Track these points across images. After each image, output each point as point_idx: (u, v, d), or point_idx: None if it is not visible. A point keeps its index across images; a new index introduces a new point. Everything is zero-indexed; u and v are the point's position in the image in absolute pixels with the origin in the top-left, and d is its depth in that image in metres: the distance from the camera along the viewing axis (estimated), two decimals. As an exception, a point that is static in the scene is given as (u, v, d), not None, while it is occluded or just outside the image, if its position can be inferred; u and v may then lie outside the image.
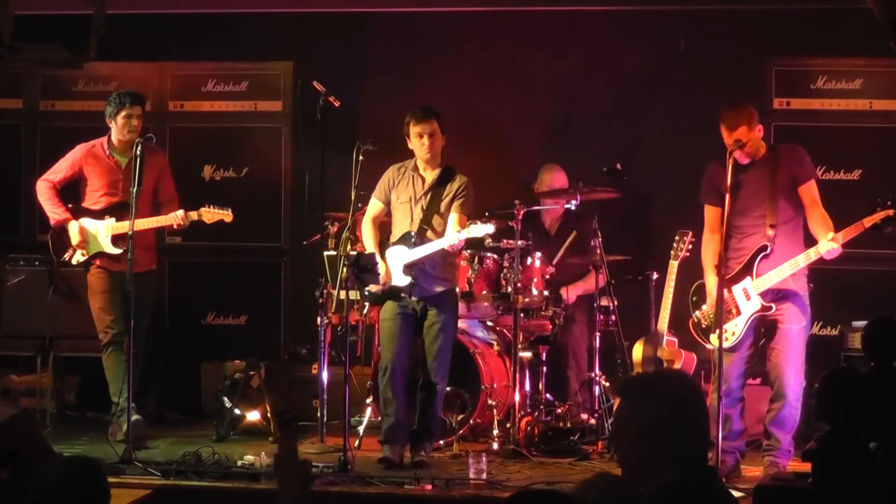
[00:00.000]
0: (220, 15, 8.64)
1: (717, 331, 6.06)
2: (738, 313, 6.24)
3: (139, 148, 6.61)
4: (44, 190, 7.11)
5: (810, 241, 6.25)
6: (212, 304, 8.40)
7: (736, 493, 5.59)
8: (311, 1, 8.71)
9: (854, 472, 4.35)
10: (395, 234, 6.56)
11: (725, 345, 6.20)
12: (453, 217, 6.46)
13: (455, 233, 6.31)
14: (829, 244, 6.02)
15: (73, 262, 7.01)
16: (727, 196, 5.97)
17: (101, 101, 8.57)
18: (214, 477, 6.10)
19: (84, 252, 6.95)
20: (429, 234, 6.49)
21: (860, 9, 6.53)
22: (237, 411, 7.41)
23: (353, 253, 6.30)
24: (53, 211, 7.06)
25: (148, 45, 8.66)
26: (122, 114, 6.88)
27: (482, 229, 6.26)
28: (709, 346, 6.46)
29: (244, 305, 8.51)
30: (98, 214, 6.98)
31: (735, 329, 6.24)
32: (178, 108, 8.54)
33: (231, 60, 8.64)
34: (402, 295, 6.45)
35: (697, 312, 6.42)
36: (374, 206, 6.67)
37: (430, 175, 6.56)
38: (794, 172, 6.24)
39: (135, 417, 6.60)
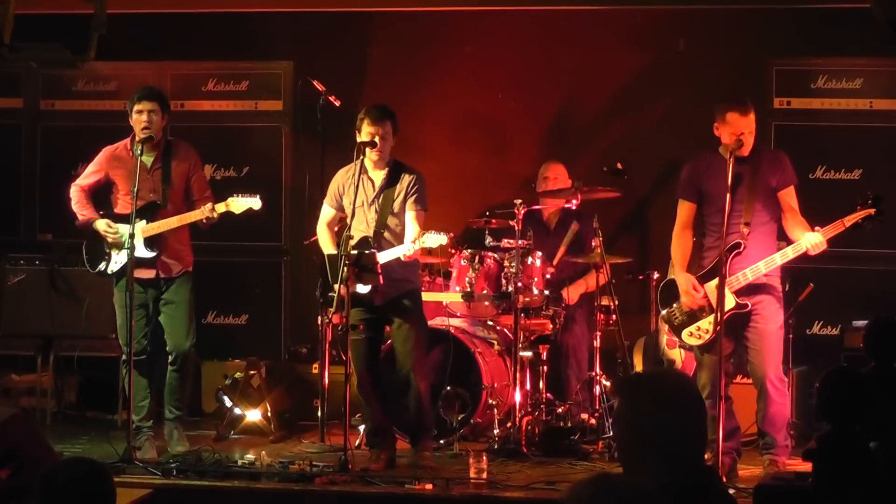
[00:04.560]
0: (220, 15, 8.64)
1: (694, 327, 6.06)
2: (712, 311, 6.20)
3: (139, 148, 6.58)
4: (73, 193, 6.82)
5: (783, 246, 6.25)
6: (212, 304, 8.41)
7: (735, 493, 5.60)
8: (311, 1, 8.71)
9: (854, 472, 4.35)
10: (354, 239, 6.42)
11: (698, 343, 6.21)
12: (409, 216, 6.36)
13: (410, 243, 6.20)
14: (815, 236, 6.00)
15: (109, 271, 6.67)
16: (728, 196, 5.95)
17: (101, 101, 8.64)
18: (214, 477, 6.10)
19: (117, 259, 6.65)
20: (386, 235, 6.39)
21: (860, 9, 6.54)
22: (237, 411, 7.41)
23: (354, 252, 6.28)
24: (81, 212, 6.78)
25: (148, 45, 8.67)
26: (134, 109, 6.63)
27: (436, 239, 6.16)
28: (677, 342, 6.48)
29: (244, 305, 8.53)
30: (128, 218, 6.53)
31: (708, 327, 6.19)
32: (178, 108, 8.50)
33: (231, 60, 8.65)
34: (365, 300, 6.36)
35: (666, 310, 6.39)
36: (327, 213, 6.59)
37: (379, 176, 6.44)
38: (776, 177, 6.22)
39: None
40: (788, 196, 6.24)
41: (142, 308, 6.71)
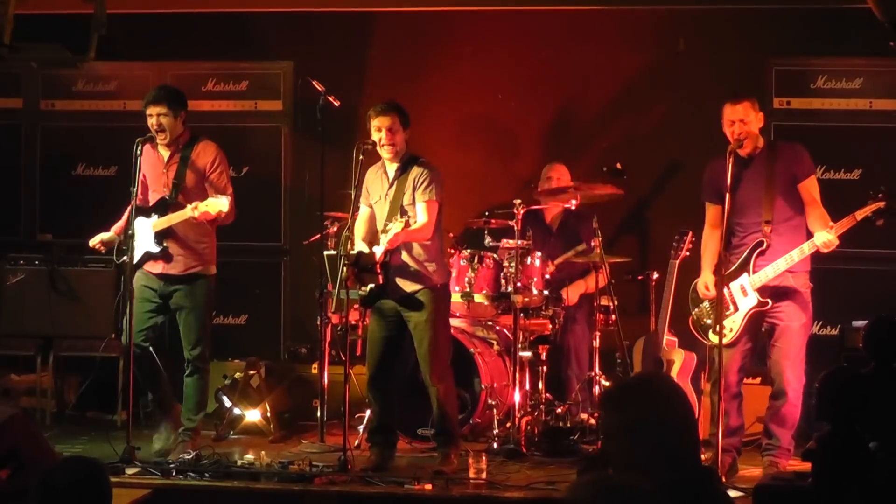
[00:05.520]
0: (220, 15, 8.64)
1: (716, 327, 6.06)
2: (736, 309, 6.24)
3: (139, 148, 6.58)
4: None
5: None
6: (212, 304, 8.40)
7: (735, 493, 5.61)
8: (311, 1, 8.71)
9: (854, 472, 4.35)
10: (355, 238, 6.41)
11: (724, 341, 6.21)
12: (419, 207, 6.30)
13: (386, 241, 6.13)
14: (825, 234, 6.02)
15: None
16: (727, 194, 5.97)
17: (101, 101, 8.64)
18: (214, 477, 6.10)
19: (136, 252, 6.57)
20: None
21: (860, 9, 6.53)
22: (237, 411, 7.41)
23: (353, 252, 6.27)
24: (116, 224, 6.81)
25: (148, 45, 8.66)
26: (146, 113, 6.64)
27: (397, 225, 6.06)
28: (707, 343, 6.50)
29: (244, 305, 8.52)
30: (147, 212, 6.63)
31: (733, 325, 6.24)
32: (178, 108, 8.53)
33: (231, 60, 8.65)
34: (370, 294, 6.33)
35: (696, 309, 6.44)
36: (362, 212, 6.54)
37: (393, 169, 6.42)
38: (794, 170, 6.24)
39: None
40: (809, 187, 6.25)
41: (148, 302, 6.68)
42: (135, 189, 6.49)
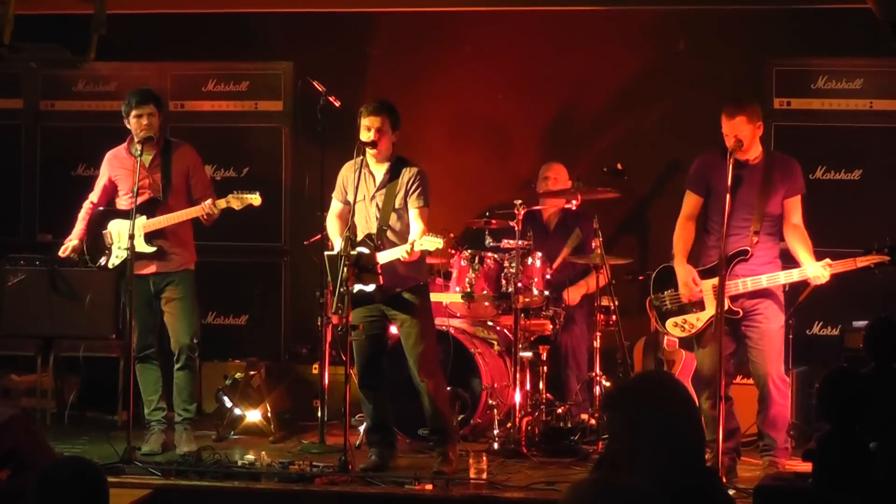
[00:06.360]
0: (220, 15, 8.64)
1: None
2: (702, 309, 6.23)
3: (139, 149, 6.60)
4: (83, 209, 6.92)
5: (784, 253, 6.26)
6: (212, 304, 8.40)
7: (735, 493, 5.60)
8: (311, 1, 8.71)
9: (854, 472, 4.35)
10: (358, 234, 6.41)
11: (681, 335, 6.24)
12: (412, 214, 6.31)
13: (408, 245, 6.13)
14: (820, 270, 6.04)
15: (110, 265, 6.76)
16: (727, 196, 5.94)
17: (101, 101, 8.64)
18: (214, 477, 6.11)
19: (118, 254, 6.73)
20: (388, 234, 6.34)
21: (860, 9, 6.54)
22: (237, 411, 7.41)
23: (353, 253, 6.27)
24: (77, 227, 6.90)
25: (148, 45, 8.67)
26: (132, 114, 6.69)
27: (432, 242, 6.11)
28: (660, 329, 6.52)
29: (244, 305, 8.53)
30: (129, 214, 6.62)
31: (695, 322, 6.25)
32: (178, 108, 8.54)
33: (231, 60, 8.65)
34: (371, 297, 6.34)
35: (656, 295, 6.40)
36: (335, 207, 6.55)
37: (381, 171, 6.40)
38: (785, 184, 6.22)
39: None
40: (793, 205, 6.23)
41: (148, 305, 6.77)
42: (135, 189, 6.52)
